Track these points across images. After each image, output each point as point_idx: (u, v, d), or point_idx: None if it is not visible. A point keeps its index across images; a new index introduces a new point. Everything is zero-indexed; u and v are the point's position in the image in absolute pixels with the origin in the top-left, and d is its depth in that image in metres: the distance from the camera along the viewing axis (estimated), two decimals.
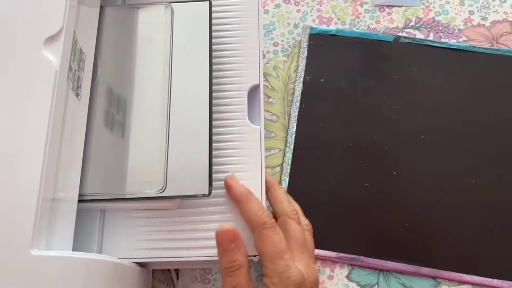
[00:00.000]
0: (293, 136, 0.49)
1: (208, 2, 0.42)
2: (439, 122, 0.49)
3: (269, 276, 0.34)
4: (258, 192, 0.38)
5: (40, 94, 0.31)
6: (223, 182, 0.38)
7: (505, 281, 0.43)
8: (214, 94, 0.41)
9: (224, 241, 0.35)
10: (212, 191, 0.38)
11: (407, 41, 0.52)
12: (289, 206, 0.39)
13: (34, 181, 0.29)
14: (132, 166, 0.37)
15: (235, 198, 0.37)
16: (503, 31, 0.53)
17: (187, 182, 0.36)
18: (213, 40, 0.43)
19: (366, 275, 0.45)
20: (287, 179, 0.48)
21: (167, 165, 0.37)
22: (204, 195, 0.36)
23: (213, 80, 0.42)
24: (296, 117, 0.50)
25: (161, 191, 0.36)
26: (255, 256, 0.37)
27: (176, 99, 0.39)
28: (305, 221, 0.40)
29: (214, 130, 0.40)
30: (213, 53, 0.43)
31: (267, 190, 0.40)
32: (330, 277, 0.45)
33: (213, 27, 0.44)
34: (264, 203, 0.38)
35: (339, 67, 0.52)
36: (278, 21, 0.55)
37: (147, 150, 0.37)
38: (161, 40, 0.41)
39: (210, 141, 0.38)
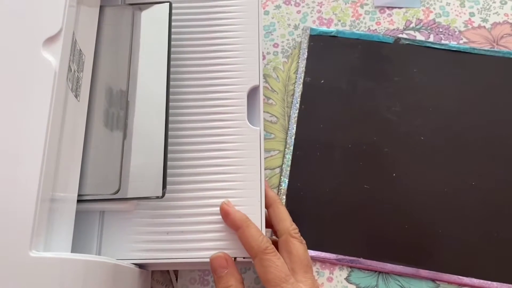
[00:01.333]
0: (293, 137, 0.49)
1: (168, 3, 0.42)
2: (439, 124, 0.49)
3: None
4: (257, 194, 0.38)
5: (39, 94, 0.30)
6: (222, 184, 0.38)
7: (504, 284, 0.43)
8: (214, 95, 0.41)
9: (217, 267, 0.36)
10: (212, 192, 0.38)
11: (407, 42, 0.52)
12: (292, 224, 0.38)
13: (33, 182, 0.29)
14: (90, 167, 0.37)
15: (233, 224, 0.37)
16: (503, 33, 0.53)
17: (141, 184, 0.36)
18: (213, 41, 0.43)
19: (365, 277, 0.45)
20: (286, 180, 0.47)
21: (121, 167, 0.37)
22: (157, 197, 0.36)
23: (211, 80, 0.42)
24: (296, 119, 0.50)
25: (115, 192, 0.36)
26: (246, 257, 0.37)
27: (134, 102, 0.39)
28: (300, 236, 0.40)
29: (213, 131, 0.40)
30: (213, 54, 0.43)
31: (269, 207, 0.39)
32: (330, 279, 0.44)
33: (213, 28, 0.44)
34: (263, 204, 0.38)
35: (339, 68, 0.52)
36: (278, 22, 0.55)
37: (105, 152, 0.37)
38: (127, 41, 0.41)
39: (166, 144, 0.37)
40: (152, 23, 0.42)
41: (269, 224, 0.40)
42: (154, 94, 0.39)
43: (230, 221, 0.37)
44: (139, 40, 0.41)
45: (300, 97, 0.51)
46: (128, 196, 0.36)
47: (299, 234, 0.38)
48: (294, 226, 0.38)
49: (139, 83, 0.40)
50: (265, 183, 0.39)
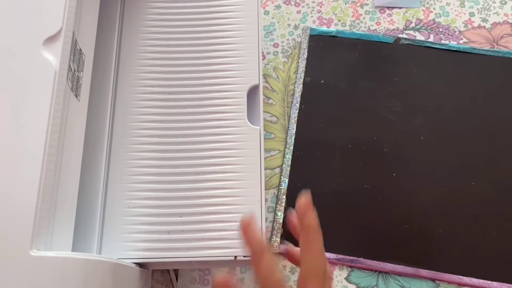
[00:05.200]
0: (293, 137, 0.49)
1: None
2: (439, 123, 0.49)
3: None
4: (257, 194, 0.38)
5: (40, 94, 0.30)
6: (222, 183, 0.38)
7: (504, 284, 0.43)
8: (214, 94, 0.41)
9: None
10: (212, 192, 0.38)
11: (407, 42, 0.52)
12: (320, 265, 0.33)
13: (34, 181, 0.29)
14: None
15: (251, 247, 0.32)
16: (503, 33, 0.53)
17: None
18: (213, 40, 0.43)
19: (366, 277, 0.45)
20: (286, 180, 0.48)
21: None
22: None
23: (212, 80, 0.42)
24: (296, 118, 0.50)
25: None
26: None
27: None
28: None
29: (213, 130, 0.40)
30: (213, 53, 0.43)
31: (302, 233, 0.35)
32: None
33: (213, 27, 0.44)
34: (263, 204, 0.38)
35: (339, 68, 0.52)
36: (278, 22, 0.55)
37: None
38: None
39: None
40: None
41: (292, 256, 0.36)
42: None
43: (249, 243, 0.32)
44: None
45: (300, 97, 0.51)
46: None
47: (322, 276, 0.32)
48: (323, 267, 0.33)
49: None
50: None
